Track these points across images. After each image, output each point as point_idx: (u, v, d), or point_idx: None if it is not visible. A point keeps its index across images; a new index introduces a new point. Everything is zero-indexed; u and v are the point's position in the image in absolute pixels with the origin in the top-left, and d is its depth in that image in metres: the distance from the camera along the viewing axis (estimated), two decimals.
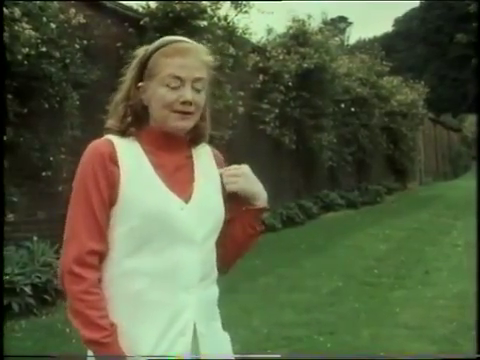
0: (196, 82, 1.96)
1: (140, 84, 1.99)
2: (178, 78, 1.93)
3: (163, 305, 1.89)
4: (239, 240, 2.11)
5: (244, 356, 2.12)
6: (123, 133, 1.98)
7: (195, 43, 2.03)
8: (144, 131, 2.01)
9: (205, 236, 1.98)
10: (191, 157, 2.08)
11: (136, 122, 2.00)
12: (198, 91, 1.97)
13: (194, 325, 1.92)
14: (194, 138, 2.09)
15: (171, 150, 2.01)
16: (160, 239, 1.90)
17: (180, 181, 1.99)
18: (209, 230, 2.00)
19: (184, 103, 1.94)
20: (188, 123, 1.98)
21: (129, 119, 1.99)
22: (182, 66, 1.94)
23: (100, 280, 1.90)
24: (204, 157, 2.11)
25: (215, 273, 2.05)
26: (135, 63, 2.02)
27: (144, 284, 1.88)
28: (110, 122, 2.01)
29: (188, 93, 1.94)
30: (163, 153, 1.99)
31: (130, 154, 1.95)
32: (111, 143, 1.95)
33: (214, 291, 2.05)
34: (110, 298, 1.90)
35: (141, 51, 2.03)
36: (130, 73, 2.02)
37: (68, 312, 1.88)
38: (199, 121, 2.04)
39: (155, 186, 1.93)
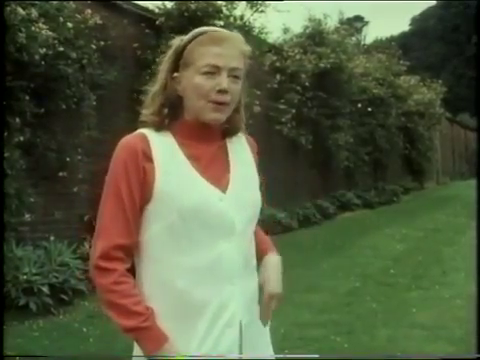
0: (232, 71, 1.91)
1: (175, 74, 1.94)
2: (215, 67, 1.88)
3: (209, 300, 1.87)
4: None
5: (282, 356, 2.12)
6: (159, 126, 1.94)
7: (232, 32, 1.99)
8: (178, 123, 1.97)
9: (244, 225, 1.96)
10: (225, 147, 2.04)
11: (172, 114, 1.96)
12: (234, 81, 1.92)
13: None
14: (228, 130, 2.04)
15: (205, 141, 1.97)
16: (200, 233, 1.87)
17: (216, 171, 1.95)
18: (248, 219, 1.98)
19: (220, 92, 1.89)
20: (222, 115, 1.93)
21: (166, 111, 1.95)
22: (218, 55, 1.88)
23: (129, 270, 1.87)
24: (238, 145, 2.08)
25: (254, 261, 2.04)
26: (170, 53, 1.97)
27: (187, 282, 1.86)
28: (146, 114, 1.96)
29: (224, 81, 1.88)
30: (198, 144, 1.95)
31: (164, 148, 1.91)
32: (145, 138, 1.91)
33: (255, 282, 2.02)
34: (151, 297, 1.88)
35: (176, 41, 1.98)
36: (165, 64, 1.97)
37: (103, 307, 1.87)
38: (233, 113, 1.99)
39: (192, 179, 1.90)
